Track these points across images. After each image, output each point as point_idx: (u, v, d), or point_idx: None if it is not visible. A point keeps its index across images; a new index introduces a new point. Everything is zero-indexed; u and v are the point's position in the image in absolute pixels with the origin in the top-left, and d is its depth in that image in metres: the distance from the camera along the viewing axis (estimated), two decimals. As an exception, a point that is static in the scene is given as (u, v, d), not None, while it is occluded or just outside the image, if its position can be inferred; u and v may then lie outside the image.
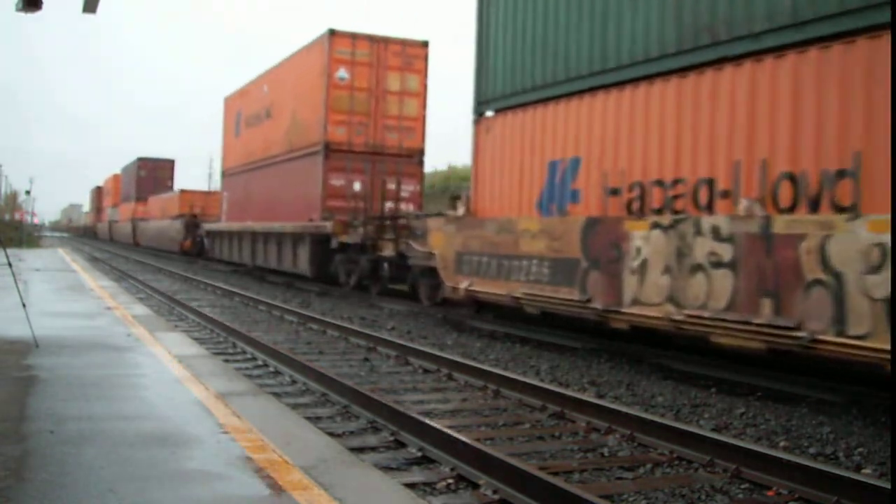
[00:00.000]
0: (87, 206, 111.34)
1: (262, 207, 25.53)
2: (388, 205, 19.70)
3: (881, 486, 5.11)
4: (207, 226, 34.85)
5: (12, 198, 70.49)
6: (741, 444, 6.14)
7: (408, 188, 20.61)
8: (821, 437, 6.95)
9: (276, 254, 24.03)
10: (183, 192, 44.59)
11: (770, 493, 5.50)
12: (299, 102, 22.61)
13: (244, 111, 28.79)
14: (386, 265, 18.56)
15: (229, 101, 31.44)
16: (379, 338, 11.71)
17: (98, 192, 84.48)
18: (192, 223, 38.76)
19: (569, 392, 8.02)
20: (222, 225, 31.08)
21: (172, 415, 5.26)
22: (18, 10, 9.16)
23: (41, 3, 9.16)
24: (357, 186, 20.65)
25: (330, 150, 20.55)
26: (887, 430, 7.14)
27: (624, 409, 7.25)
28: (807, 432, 7.11)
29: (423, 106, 21.25)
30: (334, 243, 19.81)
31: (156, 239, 46.40)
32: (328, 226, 19.83)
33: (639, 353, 10.78)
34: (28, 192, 67.21)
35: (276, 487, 3.85)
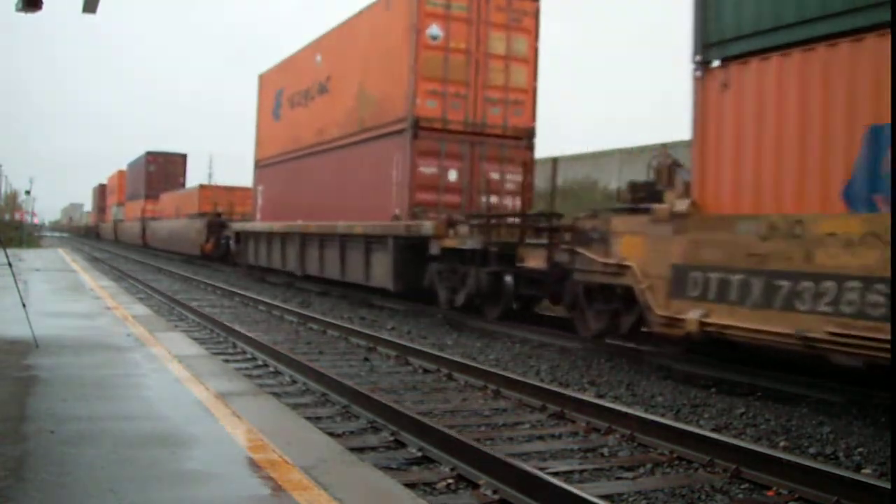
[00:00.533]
0: (88, 206, 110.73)
1: (315, 203, 21.01)
2: (491, 199, 16.20)
3: (881, 486, 5.11)
4: (236, 226, 29.49)
5: (12, 198, 70.48)
6: (741, 444, 6.15)
7: (514, 178, 16.33)
8: (821, 437, 6.95)
9: (337, 261, 19.24)
10: (203, 187, 40.58)
11: (770, 493, 5.51)
12: (371, 71, 18.10)
13: (287, 88, 23.76)
14: (510, 280, 13.86)
15: (266, 78, 26.19)
16: (379, 338, 11.73)
17: (101, 190, 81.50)
18: (216, 223, 34.19)
19: (569, 392, 8.03)
20: (258, 225, 25.79)
21: (172, 415, 5.27)
22: (18, 10, 9.16)
23: (41, 3, 9.17)
24: (453, 176, 16.38)
25: (419, 127, 16.05)
26: (887, 430, 7.14)
27: (624, 409, 7.26)
28: (807, 432, 7.12)
29: (534, 75, 16.90)
30: (434, 249, 15.26)
31: (170, 240, 41.93)
32: (427, 226, 15.30)
33: (639, 354, 10.78)
34: (28, 192, 67.21)
35: (276, 487, 3.85)
